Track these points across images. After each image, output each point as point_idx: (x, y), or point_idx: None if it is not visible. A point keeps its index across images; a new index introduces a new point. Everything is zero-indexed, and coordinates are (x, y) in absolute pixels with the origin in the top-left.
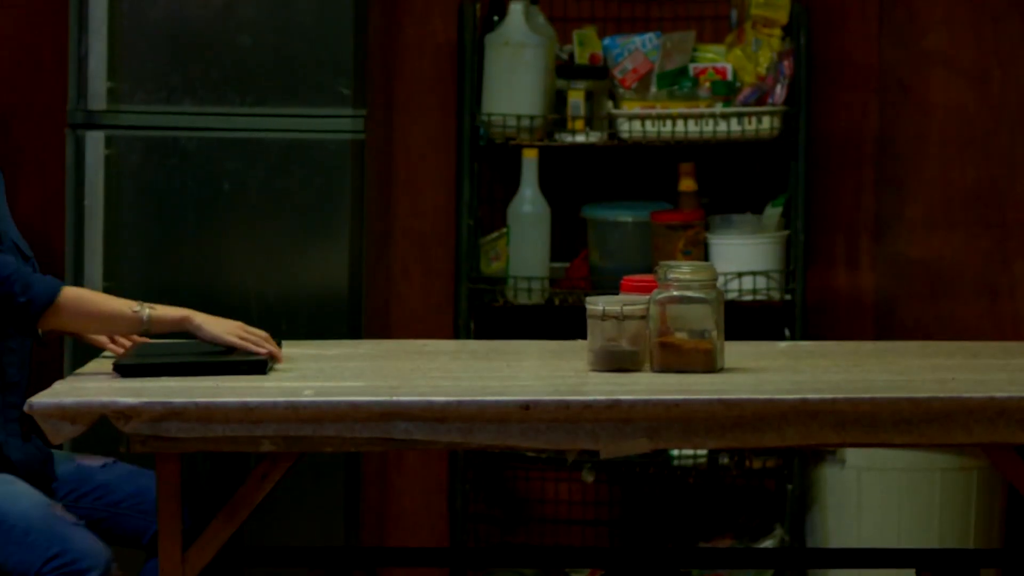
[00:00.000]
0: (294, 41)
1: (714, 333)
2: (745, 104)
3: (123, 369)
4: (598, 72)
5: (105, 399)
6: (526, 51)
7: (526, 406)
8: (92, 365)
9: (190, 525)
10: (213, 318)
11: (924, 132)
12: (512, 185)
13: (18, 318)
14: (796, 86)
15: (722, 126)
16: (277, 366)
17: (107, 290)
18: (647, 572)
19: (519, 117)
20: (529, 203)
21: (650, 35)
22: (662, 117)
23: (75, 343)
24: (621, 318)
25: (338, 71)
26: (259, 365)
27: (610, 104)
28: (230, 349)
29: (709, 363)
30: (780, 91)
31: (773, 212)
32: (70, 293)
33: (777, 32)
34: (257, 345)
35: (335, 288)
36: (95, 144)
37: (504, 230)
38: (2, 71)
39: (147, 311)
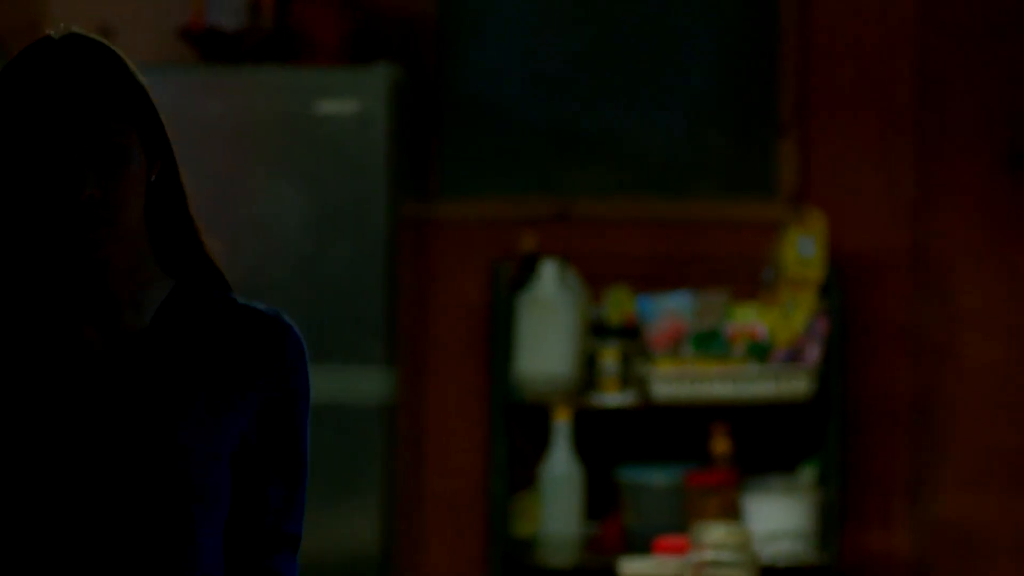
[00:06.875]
0: (325, 301)
1: None
2: (779, 365)
3: None
4: (631, 333)
5: None
6: (558, 311)
7: None
8: None
9: None
10: None
11: (958, 392)
12: (543, 444)
13: None
14: (830, 346)
15: (756, 387)
16: None
17: None
18: None
19: (551, 378)
20: (561, 465)
21: (683, 295)
22: (695, 378)
23: None
24: None
25: (369, 332)
26: None
27: (643, 364)
28: None
29: None
30: (814, 351)
31: (807, 474)
32: None
33: (811, 292)
34: None
35: (365, 550)
36: None
37: (536, 491)
38: None
39: None
